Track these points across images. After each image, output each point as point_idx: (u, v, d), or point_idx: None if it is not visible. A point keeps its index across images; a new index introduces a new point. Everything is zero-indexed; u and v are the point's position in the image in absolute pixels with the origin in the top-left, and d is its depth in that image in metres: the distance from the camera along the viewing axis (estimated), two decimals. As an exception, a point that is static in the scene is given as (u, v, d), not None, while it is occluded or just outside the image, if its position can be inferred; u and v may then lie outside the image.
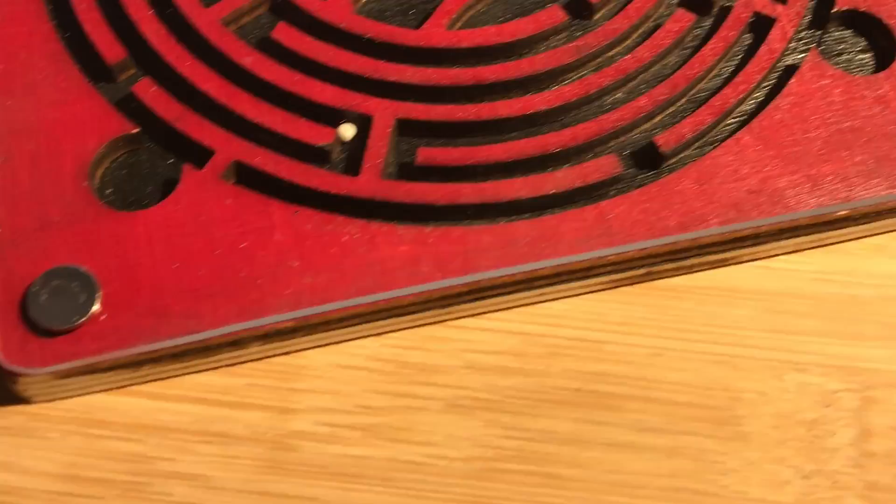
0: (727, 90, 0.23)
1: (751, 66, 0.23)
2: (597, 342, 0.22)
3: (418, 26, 0.24)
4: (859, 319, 0.22)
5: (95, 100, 0.23)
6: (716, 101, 0.23)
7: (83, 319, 0.20)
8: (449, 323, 0.22)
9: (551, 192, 0.22)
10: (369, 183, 0.22)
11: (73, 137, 0.22)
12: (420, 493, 0.20)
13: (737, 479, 0.20)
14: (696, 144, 0.23)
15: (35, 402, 0.21)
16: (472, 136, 0.23)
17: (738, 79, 0.23)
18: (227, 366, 0.21)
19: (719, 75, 0.24)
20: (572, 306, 0.22)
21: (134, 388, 0.21)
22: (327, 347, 0.22)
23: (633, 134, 0.23)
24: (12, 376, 0.20)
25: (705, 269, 0.22)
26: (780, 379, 0.21)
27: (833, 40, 0.24)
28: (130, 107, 0.23)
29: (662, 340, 0.22)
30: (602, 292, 0.22)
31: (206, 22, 0.24)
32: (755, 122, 0.23)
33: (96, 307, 0.20)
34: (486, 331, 0.22)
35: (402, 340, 0.22)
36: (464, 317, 0.22)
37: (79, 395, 0.21)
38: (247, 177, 0.22)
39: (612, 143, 0.23)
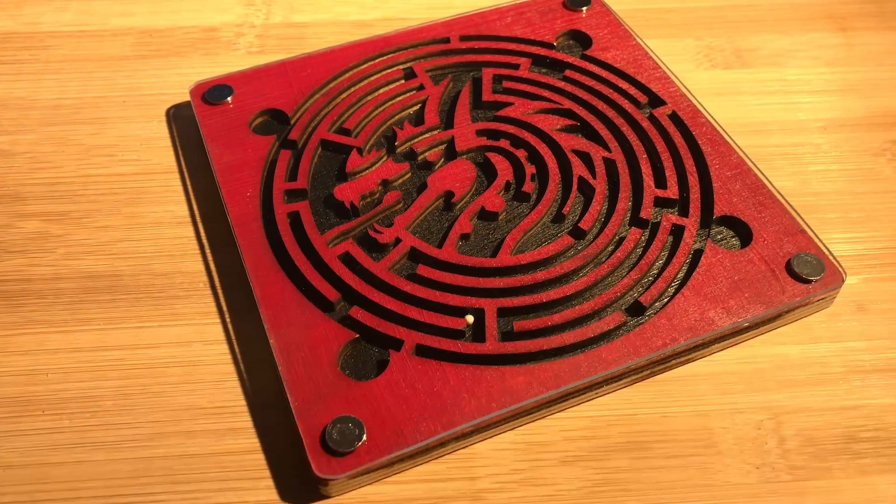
0: (669, 269, 0.36)
1: (678, 255, 0.36)
2: (631, 415, 0.33)
3: (493, 253, 0.37)
4: (766, 380, 0.34)
5: (329, 323, 0.34)
6: (666, 274, 0.36)
7: (359, 444, 0.31)
8: (549, 416, 0.33)
9: (590, 336, 0.34)
10: (492, 346, 0.33)
11: (324, 344, 0.33)
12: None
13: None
14: (659, 298, 0.35)
15: (332, 497, 0.31)
16: (537, 311, 0.35)
17: (674, 261, 0.36)
18: (435, 459, 0.32)
19: (660, 258, 0.37)
20: (613, 397, 0.34)
21: (387, 479, 0.32)
22: (485, 441, 0.33)
23: (625, 297, 0.36)
24: (322, 481, 0.30)
25: (678, 367, 0.35)
26: (732, 419, 0.33)
27: (716, 232, 0.38)
28: (348, 321, 0.34)
29: (666, 408, 0.33)
30: (628, 388, 0.34)
31: (380, 270, 0.36)
32: (689, 283, 0.35)
33: (364, 437, 0.31)
34: (570, 418, 0.33)
35: (526, 429, 0.33)
36: (556, 412, 0.33)
37: (356, 489, 0.31)
38: (424, 352, 0.34)
39: (615, 304, 0.35)
